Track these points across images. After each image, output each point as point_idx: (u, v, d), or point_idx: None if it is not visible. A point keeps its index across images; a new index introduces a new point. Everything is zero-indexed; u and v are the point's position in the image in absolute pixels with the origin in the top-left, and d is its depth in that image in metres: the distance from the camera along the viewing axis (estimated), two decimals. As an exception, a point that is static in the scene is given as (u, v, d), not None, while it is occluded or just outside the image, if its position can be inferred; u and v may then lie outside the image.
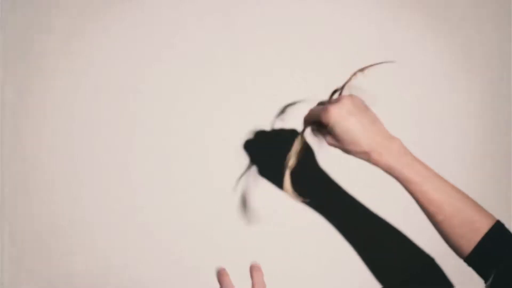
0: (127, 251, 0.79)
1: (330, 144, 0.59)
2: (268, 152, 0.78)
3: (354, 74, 0.61)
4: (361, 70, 0.61)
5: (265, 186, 0.79)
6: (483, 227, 0.56)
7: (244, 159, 0.79)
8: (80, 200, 0.78)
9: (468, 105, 0.81)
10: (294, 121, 0.78)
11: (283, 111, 0.79)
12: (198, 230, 0.79)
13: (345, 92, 0.62)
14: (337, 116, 0.57)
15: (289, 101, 0.79)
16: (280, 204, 0.79)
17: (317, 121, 0.60)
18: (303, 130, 0.63)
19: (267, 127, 0.79)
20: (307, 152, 0.65)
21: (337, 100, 0.58)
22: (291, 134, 0.78)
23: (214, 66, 0.78)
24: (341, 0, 0.79)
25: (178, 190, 0.79)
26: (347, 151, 0.58)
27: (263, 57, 0.78)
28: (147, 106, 0.78)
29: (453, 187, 0.58)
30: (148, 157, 0.78)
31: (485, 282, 0.57)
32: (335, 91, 0.63)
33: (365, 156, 0.57)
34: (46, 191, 0.78)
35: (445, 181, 0.58)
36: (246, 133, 0.79)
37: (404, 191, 0.59)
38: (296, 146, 0.64)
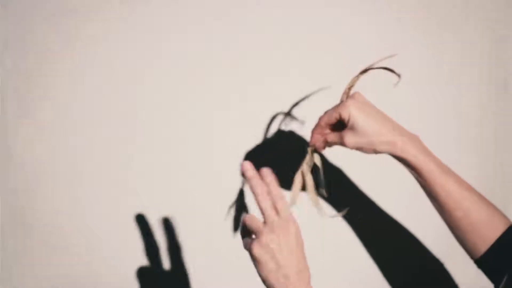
0: (127, 251, 0.79)
1: (352, 144, 0.57)
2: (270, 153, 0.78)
3: (357, 77, 0.60)
4: (364, 72, 0.60)
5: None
6: (500, 227, 0.55)
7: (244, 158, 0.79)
8: (80, 200, 0.78)
9: (469, 105, 0.81)
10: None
11: (288, 113, 0.78)
12: (199, 230, 0.79)
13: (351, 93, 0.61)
14: (355, 107, 0.56)
15: (289, 102, 0.79)
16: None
17: (331, 124, 0.59)
18: (313, 143, 0.61)
19: (270, 130, 0.79)
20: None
21: (349, 98, 0.57)
22: (294, 139, 0.79)
23: (215, 66, 0.78)
24: (341, 1, 0.79)
25: (178, 190, 0.79)
26: (370, 144, 0.56)
27: (264, 57, 0.78)
28: (147, 107, 0.78)
29: (471, 185, 0.57)
30: (148, 157, 0.78)
31: (496, 287, 0.56)
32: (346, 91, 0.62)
33: (390, 146, 0.56)
34: (46, 191, 0.78)
35: (462, 179, 0.57)
36: (246, 133, 0.79)
37: (413, 194, 0.57)
38: (308, 161, 0.62)
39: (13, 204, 0.78)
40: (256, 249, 0.54)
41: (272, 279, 0.53)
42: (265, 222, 0.55)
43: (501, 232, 0.55)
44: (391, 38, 0.80)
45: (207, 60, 0.78)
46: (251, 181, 0.55)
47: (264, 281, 0.54)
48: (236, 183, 0.79)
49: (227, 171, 0.78)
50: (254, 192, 0.55)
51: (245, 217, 0.56)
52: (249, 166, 0.56)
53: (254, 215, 0.56)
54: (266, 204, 0.55)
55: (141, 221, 0.79)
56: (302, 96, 0.78)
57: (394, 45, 0.79)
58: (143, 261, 0.79)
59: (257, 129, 0.79)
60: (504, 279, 0.53)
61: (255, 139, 0.79)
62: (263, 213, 0.55)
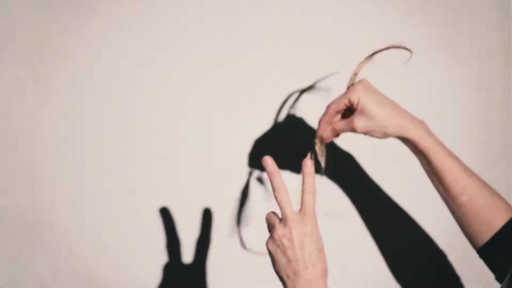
0: (127, 251, 0.79)
1: (362, 128, 0.57)
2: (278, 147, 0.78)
3: (363, 62, 0.61)
4: (370, 56, 0.61)
5: (267, 184, 0.79)
6: (504, 215, 0.55)
7: (246, 158, 0.79)
8: (80, 200, 0.78)
9: (470, 106, 0.81)
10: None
11: (289, 101, 0.78)
12: (199, 230, 0.79)
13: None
14: (364, 91, 0.56)
15: (290, 102, 0.79)
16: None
17: (340, 111, 0.59)
18: (320, 134, 0.61)
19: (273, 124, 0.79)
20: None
21: (356, 83, 0.58)
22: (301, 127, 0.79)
23: (216, 66, 0.78)
24: (343, 1, 0.79)
25: (178, 190, 0.79)
26: (380, 127, 0.56)
27: (265, 57, 0.78)
28: (149, 107, 0.78)
29: (476, 173, 0.58)
30: (149, 157, 0.78)
31: (496, 278, 0.56)
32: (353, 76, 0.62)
33: (401, 128, 0.56)
34: (46, 191, 0.78)
35: (467, 166, 0.58)
36: (248, 134, 0.79)
37: (416, 187, 0.57)
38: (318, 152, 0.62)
39: (13, 204, 0.78)
40: (269, 244, 0.55)
41: (282, 273, 0.54)
42: (281, 217, 0.56)
43: (505, 221, 0.55)
44: (391, 39, 0.80)
45: (206, 60, 0.78)
46: (271, 174, 0.56)
47: (277, 275, 0.56)
48: (235, 183, 0.79)
49: (227, 171, 0.79)
50: (272, 186, 0.56)
51: (266, 214, 0.58)
52: (270, 161, 0.57)
53: (273, 211, 0.58)
54: (282, 198, 0.56)
55: (142, 221, 0.79)
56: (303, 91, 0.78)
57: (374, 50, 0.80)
58: (144, 261, 0.79)
59: (257, 129, 0.79)
60: (509, 274, 0.53)
61: (255, 139, 0.79)
62: (279, 208, 0.56)
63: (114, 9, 0.77)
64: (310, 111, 0.78)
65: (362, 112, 0.56)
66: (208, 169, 0.79)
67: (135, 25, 0.77)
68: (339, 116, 0.60)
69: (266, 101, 0.78)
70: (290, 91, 0.78)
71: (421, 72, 0.80)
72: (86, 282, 0.79)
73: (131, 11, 0.77)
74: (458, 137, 0.81)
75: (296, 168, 0.73)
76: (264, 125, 0.79)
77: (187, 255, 0.79)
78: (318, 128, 0.61)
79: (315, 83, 0.78)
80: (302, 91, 0.78)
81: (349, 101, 0.57)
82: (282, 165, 0.77)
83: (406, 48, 0.61)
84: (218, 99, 0.78)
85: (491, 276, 0.57)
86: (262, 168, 0.77)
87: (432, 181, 0.59)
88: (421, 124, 0.57)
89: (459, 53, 0.81)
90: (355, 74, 0.61)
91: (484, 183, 0.57)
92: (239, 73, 0.78)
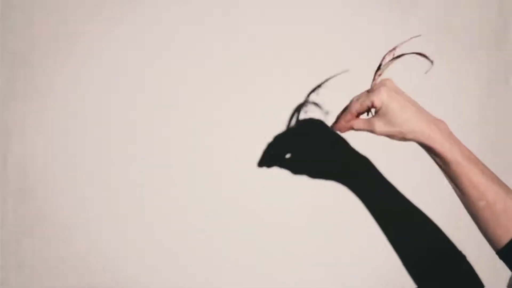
0: (127, 251, 0.79)
1: (382, 133, 0.57)
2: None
3: (388, 64, 0.60)
4: (396, 58, 0.60)
5: (268, 185, 0.79)
6: None
7: (245, 159, 0.79)
8: (80, 200, 0.78)
9: (470, 107, 0.81)
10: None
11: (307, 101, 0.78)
12: (198, 230, 0.79)
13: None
14: (389, 95, 0.56)
15: (290, 101, 0.79)
16: (282, 204, 0.79)
17: (362, 112, 0.59)
18: (338, 129, 0.61)
19: (272, 126, 0.79)
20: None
21: (380, 84, 0.58)
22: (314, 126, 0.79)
23: (215, 66, 0.78)
24: (343, 1, 0.79)
25: (178, 190, 0.79)
26: (400, 133, 0.56)
27: (263, 57, 0.78)
28: (148, 106, 0.78)
29: (495, 175, 0.57)
30: (148, 157, 0.78)
31: None
32: (375, 74, 0.61)
33: (419, 135, 0.56)
34: (46, 191, 0.78)
35: (487, 168, 0.57)
36: (248, 133, 0.79)
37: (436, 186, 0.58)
38: None
39: (13, 205, 0.78)
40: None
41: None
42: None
43: None
44: (391, 38, 0.80)
45: (206, 60, 0.78)
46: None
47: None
48: (236, 183, 0.79)
49: (227, 170, 0.79)
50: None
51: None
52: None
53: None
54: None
55: (142, 221, 0.79)
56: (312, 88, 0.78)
57: (396, 44, 0.79)
58: (144, 261, 0.79)
59: (257, 129, 0.79)
60: None
61: (257, 140, 0.79)
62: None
63: (114, 9, 0.77)
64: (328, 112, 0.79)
65: (384, 116, 0.56)
66: (208, 169, 0.79)
67: (135, 25, 0.77)
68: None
69: (266, 101, 0.78)
70: (290, 91, 0.78)
71: (420, 72, 0.80)
72: (86, 282, 0.79)
73: (131, 11, 0.77)
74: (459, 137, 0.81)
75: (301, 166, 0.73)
76: (264, 124, 0.79)
77: (188, 255, 0.79)
78: (336, 123, 0.60)
79: (322, 83, 0.77)
80: (311, 92, 0.77)
81: (372, 104, 0.57)
82: (284, 165, 0.78)
83: (428, 58, 0.61)
84: (219, 99, 0.78)
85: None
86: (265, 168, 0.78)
87: (450, 184, 0.59)
88: (440, 128, 0.57)
89: (459, 52, 0.81)
90: (379, 75, 0.60)
91: (503, 187, 0.56)
92: (239, 73, 0.78)
